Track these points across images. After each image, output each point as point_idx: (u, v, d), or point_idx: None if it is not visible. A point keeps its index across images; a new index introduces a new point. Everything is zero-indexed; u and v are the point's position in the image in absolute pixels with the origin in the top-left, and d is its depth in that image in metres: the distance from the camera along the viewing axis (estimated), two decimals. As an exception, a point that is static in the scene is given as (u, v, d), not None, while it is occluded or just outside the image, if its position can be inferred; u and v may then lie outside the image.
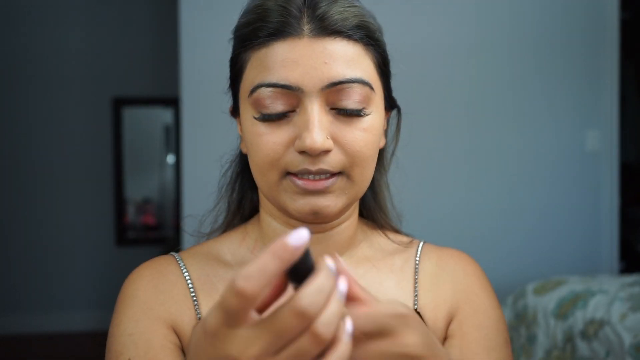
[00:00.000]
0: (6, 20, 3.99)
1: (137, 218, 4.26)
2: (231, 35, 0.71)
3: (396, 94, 0.75)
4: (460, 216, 2.80)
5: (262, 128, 0.65)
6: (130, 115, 4.17)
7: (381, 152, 0.78)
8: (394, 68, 0.73)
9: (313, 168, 0.64)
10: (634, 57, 3.91)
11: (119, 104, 4.13)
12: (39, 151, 4.03)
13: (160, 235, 4.30)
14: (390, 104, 0.74)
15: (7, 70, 4.00)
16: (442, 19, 2.78)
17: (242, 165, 0.80)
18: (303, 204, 0.65)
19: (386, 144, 0.77)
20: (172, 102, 4.12)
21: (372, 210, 0.80)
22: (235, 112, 0.74)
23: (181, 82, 2.58)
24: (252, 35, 0.66)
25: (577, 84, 2.90)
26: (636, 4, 3.86)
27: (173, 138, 4.24)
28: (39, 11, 4.02)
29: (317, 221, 0.68)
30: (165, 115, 4.27)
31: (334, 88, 0.63)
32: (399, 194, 0.83)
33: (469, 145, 2.82)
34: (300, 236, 0.41)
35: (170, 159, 4.29)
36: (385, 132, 0.75)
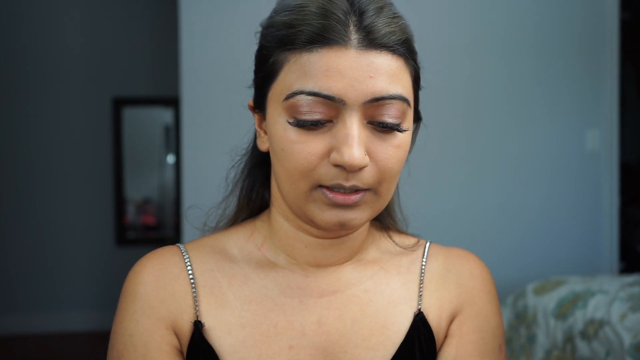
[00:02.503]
0: (6, 20, 3.99)
1: (137, 218, 4.25)
2: (259, 29, 0.69)
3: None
4: (460, 216, 2.80)
5: (295, 135, 0.63)
6: (130, 115, 4.17)
7: None
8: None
9: (347, 184, 0.63)
10: (634, 58, 3.91)
11: (119, 104, 4.13)
12: (39, 151, 4.03)
13: (160, 235, 4.30)
14: (417, 116, 0.73)
15: (7, 70, 4.00)
16: (440, 18, 2.78)
17: (255, 161, 0.79)
18: (332, 215, 0.65)
19: None
20: (172, 102, 4.11)
21: (381, 215, 0.81)
22: (257, 107, 0.72)
23: (181, 82, 2.58)
24: (293, 37, 0.63)
25: (577, 84, 2.90)
26: (636, 4, 3.87)
27: (173, 138, 4.24)
28: (39, 11, 4.02)
29: (341, 233, 0.68)
30: (165, 115, 4.27)
31: (375, 103, 0.62)
32: (408, 199, 0.83)
33: (469, 145, 2.82)
34: None
35: (170, 159, 4.28)
36: None
